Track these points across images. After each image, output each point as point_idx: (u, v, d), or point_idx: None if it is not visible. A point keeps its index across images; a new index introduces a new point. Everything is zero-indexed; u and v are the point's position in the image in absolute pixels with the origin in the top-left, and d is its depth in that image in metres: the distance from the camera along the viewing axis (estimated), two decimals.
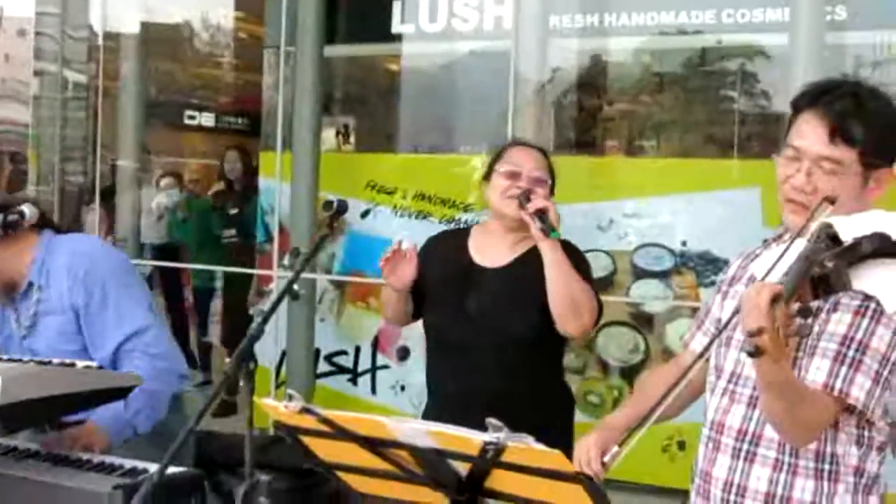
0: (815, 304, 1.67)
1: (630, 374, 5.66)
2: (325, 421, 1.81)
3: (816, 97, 2.03)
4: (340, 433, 1.81)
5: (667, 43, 5.94)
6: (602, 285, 5.57)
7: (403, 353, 6.09)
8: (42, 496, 2.59)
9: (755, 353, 1.63)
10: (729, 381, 2.08)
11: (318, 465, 2.00)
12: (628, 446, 1.93)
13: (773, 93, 5.82)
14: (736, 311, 1.94)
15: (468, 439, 1.67)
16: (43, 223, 3.12)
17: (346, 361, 6.38)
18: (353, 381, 6.34)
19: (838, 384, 1.87)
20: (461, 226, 5.32)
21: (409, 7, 6.30)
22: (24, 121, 7.64)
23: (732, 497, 2.03)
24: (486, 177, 3.17)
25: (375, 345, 6.28)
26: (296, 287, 6.11)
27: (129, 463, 2.71)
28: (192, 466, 2.74)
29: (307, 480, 3.56)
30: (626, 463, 1.96)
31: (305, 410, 1.80)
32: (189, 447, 3.20)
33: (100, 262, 3.07)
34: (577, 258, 3.10)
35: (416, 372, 5.40)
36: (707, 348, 2.05)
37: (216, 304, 8.28)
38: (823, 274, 1.63)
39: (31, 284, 3.06)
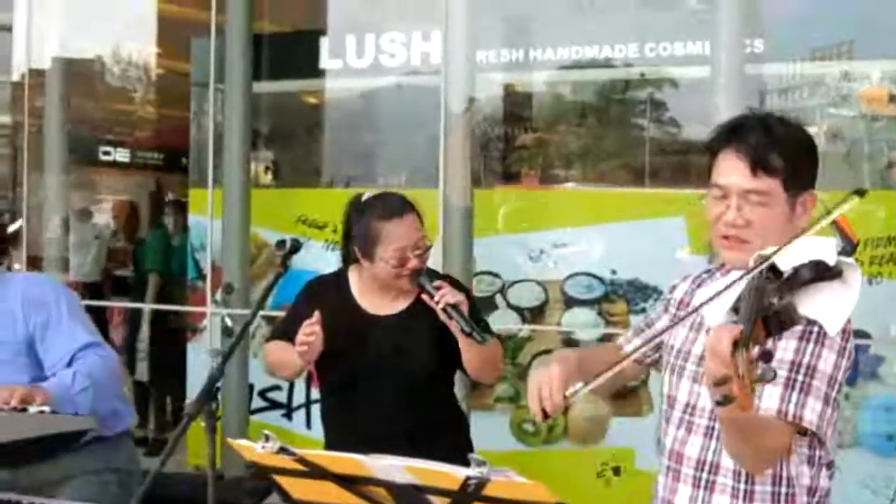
0: (769, 344, 1.68)
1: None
2: (302, 460, 1.81)
3: (729, 135, 2.08)
4: (317, 472, 1.82)
5: (590, 76, 6.04)
6: (534, 314, 5.66)
7: None
8: None
9: (724, 402, 1.60)
10: (684, 412, 2.11)
11: None
12: (590, 387, 1.95)
13: (692, 122, 5.95)
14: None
15: (448, 474, 1.67)
16: None
17: (280, 396, 6.33)
18: (288, 415, 6.29)
19: (791, 409, 1.89)
20: None
21: (336, 43, 6.34)
22: None
23: None
24: (367, 254, 3.07)
25: (309, 379, 6.24)
26: (229, 323, 6.09)
27: None
28: None
29: None
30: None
31: (282, 450, 1.80)
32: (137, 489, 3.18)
33: (52, 290, 3.12)
34: (469, 299, 3.09)
35: None
36: (657, 334, 2.17)
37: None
38: (776, 311, 1.65)
39: None
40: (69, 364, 2.95)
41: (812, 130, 5.47)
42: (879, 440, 5.09)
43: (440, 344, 3.03)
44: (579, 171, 6.35)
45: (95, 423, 2.79)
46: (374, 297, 3.16)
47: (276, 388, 6.33)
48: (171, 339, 7.33)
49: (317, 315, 2.93)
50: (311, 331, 2.91)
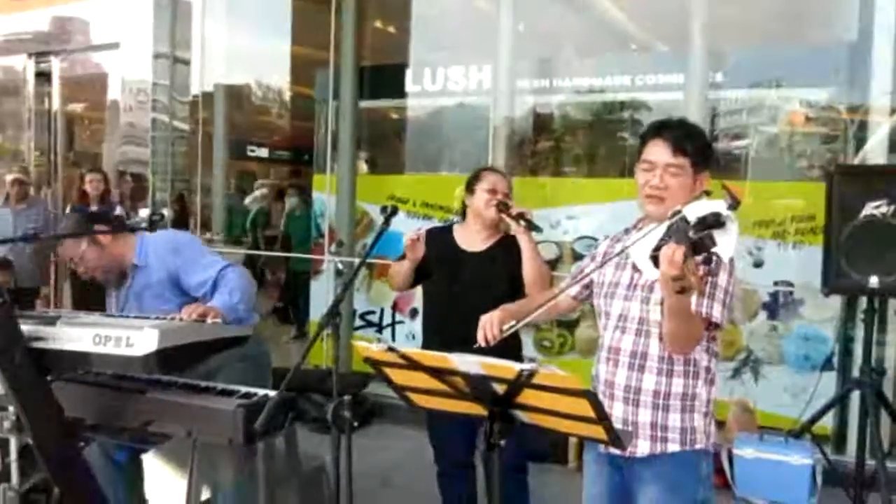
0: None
1: (570, 325, 5.65)
2: (403, 356, 1.78)
3: (659, 129, 2.15)
4: (413, 365, 1.79)
5: (590, 99, 5.95)
6: (552, 265, 5.60)
7: (414, 313, 6.05)
8: (185, 414, 2.55)
9: (683, 291, 1.71)
10: (619, 320, 2.17)
11: (391, 388, 1.96)
12: (521, 324, 2.06)
13: None
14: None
15: (508, 367, 1.65)
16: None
17: (374, 318, 6.34)
18: (379, 331, 6.29)
19: (704, 309, 1.99)
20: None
21: (416, 74, 6.29)
22: (144, 155, 7.56)
23: (631, 395, 2.13)
24: (470, 191, 3.19)
25: (394, 307, 6.25)
26: (340, 266, 6.05)
27: (242, 389, 2.67)
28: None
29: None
30: None
31: (389, 349, 1.78)
32: (269, 378, 3.18)
33: (185, 240, 3.11)
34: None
35: None
36: (587, 274, 2.26)
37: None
38: (700, 238, 1.69)
39: (134, 266, 3.02)
40: (215, 283, 2.92)
41: (747, 141, 5.39)
42: (799, 360, 4.98)
43: (512, 277, 3.03)
44: (583, 167, 6.25)
45: (252, 332, 2.76)
46: (469, 238, 3.17)
47: (372, 312, 6.35)
48: (301, 278, 7.39)
49: (422, 230, 3.14)
50: (415, 235, 3.09)
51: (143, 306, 2.98)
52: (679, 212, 1.78)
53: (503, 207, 3.04)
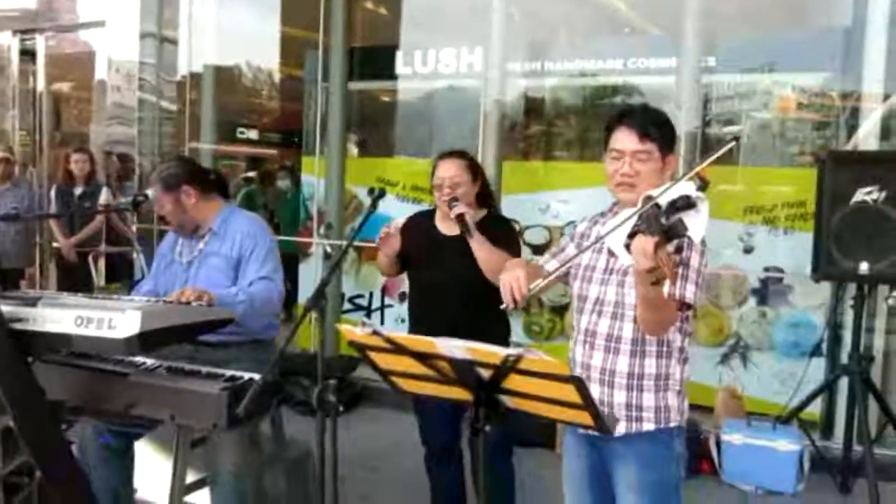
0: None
1: (560, 310, 5.65)
2: (388, 340, 1.76)
3: (621, 117, 2.15)
4: (398, 349, 1.77)
5: (581, 83, 5.91)
6: (542, 249, 5.58)
7: (403, 296, 6.04)
8: (168, 397, 2.52)
9: (657, 282, 1.71)
10: (595, 304, 2.18)
11: (377, 372, 1.94)
12: (545, 282, 2.03)
13: None
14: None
15: (494, 353, 1.63)
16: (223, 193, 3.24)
17: (363, 302, 6.33)
18: (368, 315, 6.27)
19: (677, 291, 1.98)
20: None
21: (407, 56, 6.23)
22: (130, 135, 7.49)
23: (607, 377, 2.15)
24: (432, 187, 3.13)
25: (383, 291, 6.23)
26: (329, 250, 6.03)
27: (228, 372, 2.65)
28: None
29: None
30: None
31: (375, 333, 1.76)
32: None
33: (265, 232, 3.11)
34: (504, 229, 3.14)
35: None
36: (570, 259, 2.21)
37: None
38: (671, 225, 1.69)
39: (210, 230, 3.07)
40: (251, 283, 2.96)
41: (739, 127, 5.37)
42: (788, 346, 4.99)
43: None
44: (574, 151, 6.22)
45: (235, 318, 2.74)
46: (446, 221, 3.11)
47: (360, 296, 6.33)
48: (289, 260, 7.33)
49: (396, 222, 3.06)
50: (386, 229, 3.04)
51: (201, 273, 3.03)
52: (651, 197, 1.78)
53: (451, 204, 2.99)
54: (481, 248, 2.93)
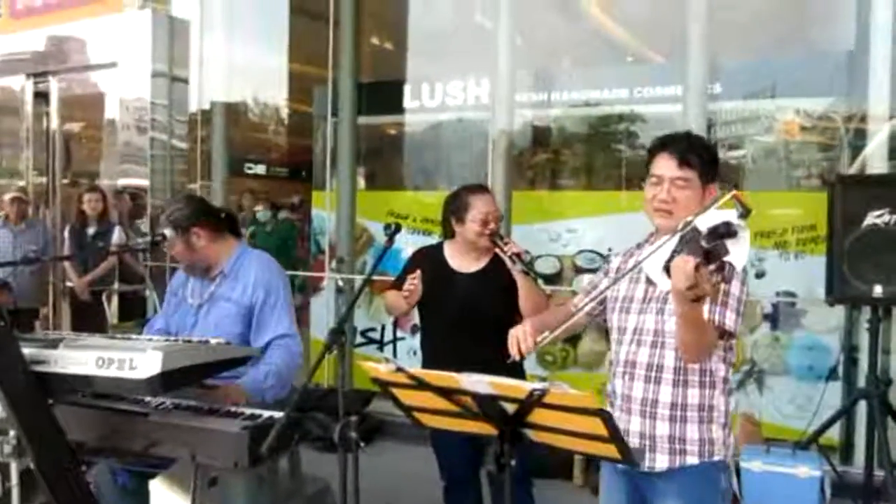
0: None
1: (573, 340, 5.63)
2: (411, 376, 1.76)
3: (665, 143, 2.16)
4: (422, 385, 1.77)
5: (586, 112, 5.94)
6: (552, 279, 5.58)
7: (415, 329, 6.03)
8: (188, 437, 2.51)
9: (697, 300, 1.70)
10: (634, 334, 2.15)
11: (399, 408, 1.94)
12: (553, 336, 2.04)
13: None
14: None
15: (519, 387, 1.63)
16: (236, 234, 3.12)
17: (375, 335, 6.31)
18: (381, 348, 6.26)
19: (717, 318, 1.96)
20: None
21: (414, 89, 6.30)
22: (142, 173, 7.55)
23: (648, 408, 2.10)
24: (459, 219, 3.07)
25: (395, 324, 6.22)
26: (341, 283, 6.03)
27: (247, 410, 2.64)
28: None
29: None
30: None
31: (398, 369, 1.76)
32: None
33: (278, 277, 2.99)
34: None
35: None
36: (603, 291, 2.21)
37: None
38: (713, 247, 1.68)
39: (222, 273, 3.00)
40: (266, 347, 2.86)
41: (742, 152, 5.39)
42: (803, 370, 4.96)
43: (505, 295, 2.97)
44: (581, 179, 6.25)
45: (256, 354, 2.73)
46: (461, 258, 3.11)
47: (373, 329, 6.32)
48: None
49: (418, 272, 2.95)
50: (413, 281, 2.94)
51: (210, 318, 2.96)
52: (690, 223, 1.77)
53: (497, 240, 2.97)
54: (528, 287, 2.93)
